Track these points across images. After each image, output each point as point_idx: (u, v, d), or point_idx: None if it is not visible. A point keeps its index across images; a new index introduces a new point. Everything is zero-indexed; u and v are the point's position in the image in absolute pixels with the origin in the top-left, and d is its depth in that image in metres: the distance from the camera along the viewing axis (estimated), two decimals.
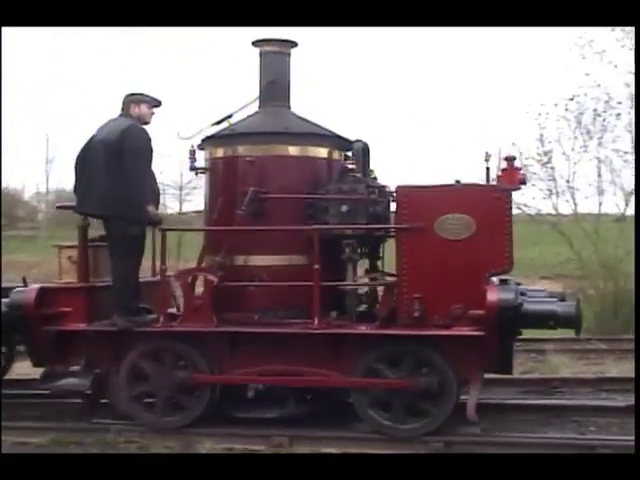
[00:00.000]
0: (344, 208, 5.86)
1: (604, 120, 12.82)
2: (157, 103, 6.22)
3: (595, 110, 12.81)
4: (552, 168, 12.74)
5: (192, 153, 6.32)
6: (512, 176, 5.79)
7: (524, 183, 5.87)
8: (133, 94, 6.16)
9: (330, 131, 6.36)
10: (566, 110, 12.81)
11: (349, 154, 6.40)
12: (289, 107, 6.49)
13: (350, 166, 6.08)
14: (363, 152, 6.35)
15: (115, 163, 5.78)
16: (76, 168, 6.08)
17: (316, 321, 5.65)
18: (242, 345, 5.89)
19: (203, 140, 6.45)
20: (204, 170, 6.44)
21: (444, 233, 5.57)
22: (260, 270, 5.99)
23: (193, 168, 6.41)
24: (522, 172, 5.91)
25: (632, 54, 11.71)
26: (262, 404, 6.00)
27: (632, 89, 12.15)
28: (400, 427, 5.64)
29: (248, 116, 6.49)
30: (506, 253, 5.53)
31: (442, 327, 5.52)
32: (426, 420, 5.61)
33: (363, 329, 5.73)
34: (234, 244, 5.98)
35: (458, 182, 5.81)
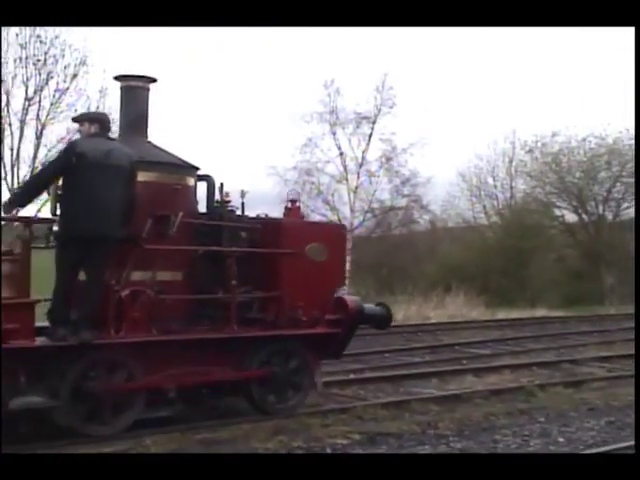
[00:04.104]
0: (243, 234, 7.44)
1: None
2: None
3: None
4: None
5: None
6: (296, 213, 8.08)
7: (304, 218, 8.34)
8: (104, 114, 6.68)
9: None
10: None
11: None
12: (147, 139, 7.48)
13: (227, 198, 7.62)
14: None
15: (122, 187, 6.44)
16: (70, 185, 6.37)
17: (235, 327, 7.21)
18: (164, 351, 6.85)
19: None
20: None
21: (311, 256, 7.66)
22: (164, 285, 6.94)
23: None
24: (302, 210, 8.35)
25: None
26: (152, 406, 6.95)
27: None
28: (284, 405, 7.60)
29: None
30: (343, 273, 8.18)
31: (310, 327, 7.63)
32: (299, 395, 7.71)
33: (272, 332, 7.49)
34: (164, 261, 6.91)
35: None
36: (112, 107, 18.83)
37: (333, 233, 8.21)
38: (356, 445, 6.67)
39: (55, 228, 6.89)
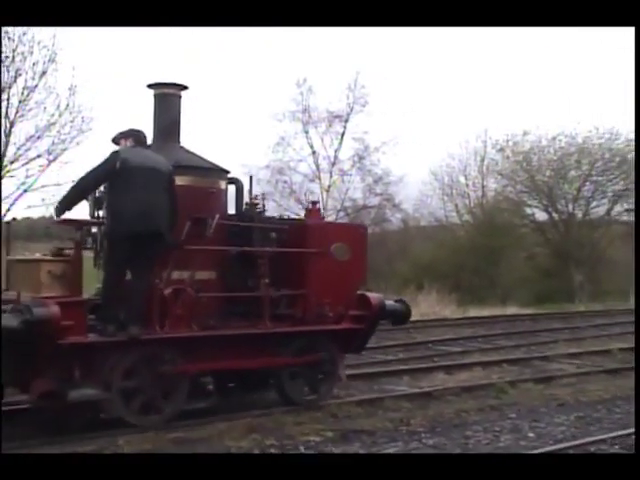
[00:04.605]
0: (273, 235, 7.83)
1: None
2: None
3: None
4: None
5: None
6: (315, 214, 8.54)
7: (323, 218, 8.86)
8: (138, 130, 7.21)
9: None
10: None
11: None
12: (180, 144, 7.89)
13: (256, 201, 8.05)
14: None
15: (166, 190, 6.89)
16: (117, 188, 6.76)
17: (268, 323, 7.63)
18: (204, 346, 7.29)
19: None
20: None
21: (336, 256, 8.08)
22: (200, 283, 7.33)
23: None
24: (321, 212, 8.87)
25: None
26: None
27: None
28: (315, 394, 8.07)
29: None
30: (365, 271, 8.51)
31: (335, 323, 8.07)
32: (327, 385, 8.16)
33: (307, 327, 7.93)
34: (202, 261, 7.32)
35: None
36: (82, 105, 18.87)
37: (355, 233, 8.66)
38: (329, 442, 6.73)
39: (94, 230, 7.34)
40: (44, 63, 18.44)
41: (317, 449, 6.49)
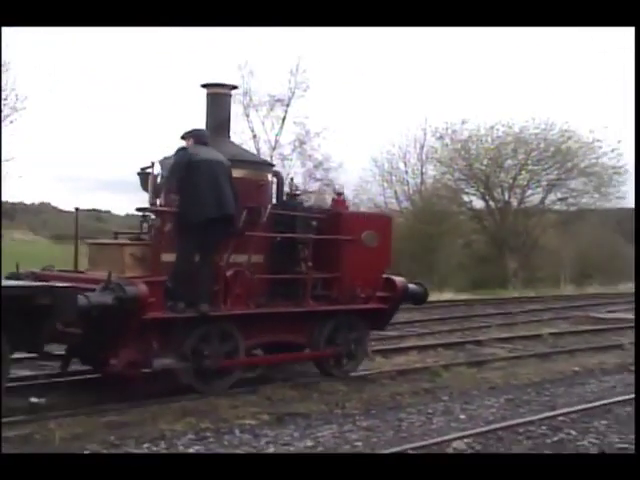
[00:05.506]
0: (314, 223, 8.72)
1: None
2: None
3: None
4: None
5: None
6: (342, 204, 9.42)
7: (348, 208, 9.70)
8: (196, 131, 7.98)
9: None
10: None
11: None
12: (230, 139, 8.82)
13: (296, 192, 9.02)
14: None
15: (228, 180, 7.69)
16: (190, 179, 7.47)
17: (311, 302, 8.56)
18: (257, 321, 8.23)
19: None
20: None
21: (366, 242, 8.98)
22: (253, 266, 8.17)
23: None
24: (347, 201, 9.83)
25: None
26: None
27: None
28: (344, 368, 9.10)
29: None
30: (389, 257, 9.36)
31: (365, 303, 9.03)
32: (355, 361, 9.17)
33: (341, 306, 8.89)
34: (255, 246, 8.15)
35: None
36: (15, 82, 18.41)
37: (382, 222, 9.57)
38: (264, 426, 6.91)
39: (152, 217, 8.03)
40: None
41: (252, 432, 6.67)
